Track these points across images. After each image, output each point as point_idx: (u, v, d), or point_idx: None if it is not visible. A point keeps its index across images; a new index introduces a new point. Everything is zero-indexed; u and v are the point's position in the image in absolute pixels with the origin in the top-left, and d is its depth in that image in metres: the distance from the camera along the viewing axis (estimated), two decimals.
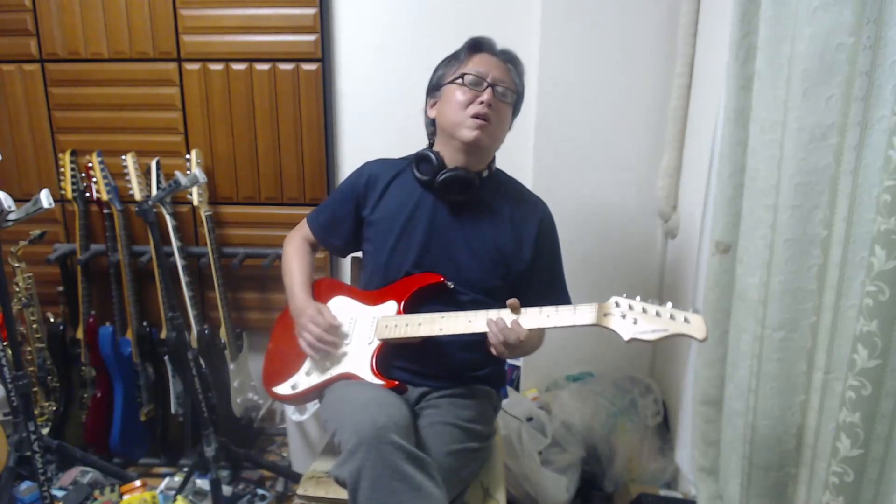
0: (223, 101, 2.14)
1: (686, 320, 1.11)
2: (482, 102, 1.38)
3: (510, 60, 1.47)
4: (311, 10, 2.05)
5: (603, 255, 2.16)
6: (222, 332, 2.20)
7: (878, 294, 1.07)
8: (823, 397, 1.32)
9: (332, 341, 1.39)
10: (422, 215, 1.45)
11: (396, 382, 1.34)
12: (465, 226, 1.45)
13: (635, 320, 1.14)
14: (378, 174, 1.52)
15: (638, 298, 1.16)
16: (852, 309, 1.20)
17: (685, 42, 1.92)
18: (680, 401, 2.05)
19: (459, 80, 1.41)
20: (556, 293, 1.51)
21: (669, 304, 1.14)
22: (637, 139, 2.07)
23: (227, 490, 2.04)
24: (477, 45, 1.46)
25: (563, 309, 1.23)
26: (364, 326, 1.43)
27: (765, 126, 1.39)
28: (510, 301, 1.28)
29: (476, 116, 1.38)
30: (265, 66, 2.10)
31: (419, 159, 1.46)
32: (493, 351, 1.27)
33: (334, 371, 1.41)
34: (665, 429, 2.10)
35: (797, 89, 1.24)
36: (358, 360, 1.39)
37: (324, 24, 2.06)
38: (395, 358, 1.42)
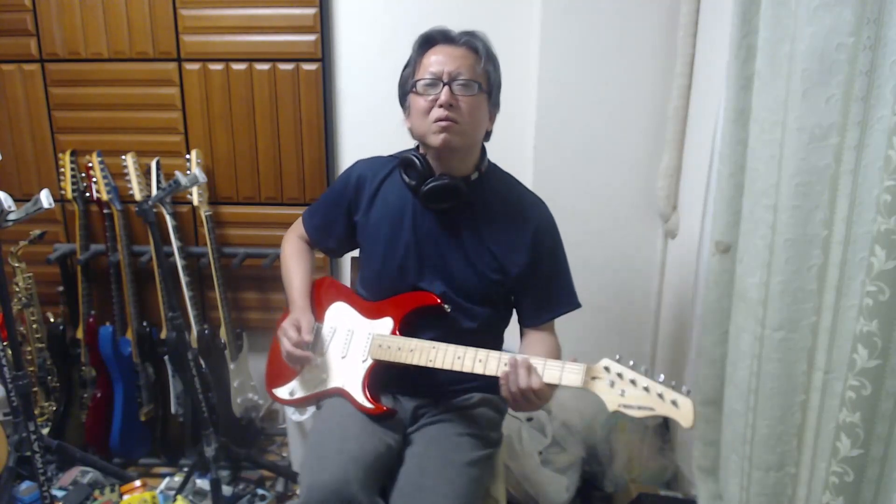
0: (223, 101, 2.14)
1: (674, 403, 1.07)
2: (441, 105, 1.28)
3: (471, 45, 1.33)
4: (311, 10, 2.05)
5: (603, 255, 2.16)
6: (222, 332, 2.20)
7: (878, 294, 1.07)
8: (823, 397, 1.32)
9: (300, 357, 1.35)
10: (412, 222, 1.40)
11: (385, 409, 1.32)
12: (456, 232, 1.39)
13: (623, 392, 1.11)
14: (367, 176, 1.47)
15: (631, 363, 1.12)
16: (852, 309, 1.20)
17: (685, 42, 1.92)
18: None
19: (415, 89, 1.32)
20: (558, 297, 1.44)
21: (661, 378, 1.10)
22: (637, 139, 2.07)
23: (227, 490, 2.04)
24: (428, 41, 1.35)
25: (551, 363, 1.19)
26: (359, 341, 1.40)
27: (765, 126, 1.39)
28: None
29: (438, 120, 1.29)
30: (265, 66, 2.10)
31: (405, 164, 1.38)
32: (511, 400, 1.21)
33: (329, 384, 1.40)
34: (665, 429, 2.10)
35: (797, 89, 1.24)
36: (351, 377, 1.37)
37: (324, 24, 2.06)
38: (397, 370, 1.39)
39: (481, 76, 1.32)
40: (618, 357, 1.14)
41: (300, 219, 1.61)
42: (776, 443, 1.42)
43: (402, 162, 1.39)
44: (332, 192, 1.54)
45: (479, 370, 1.23)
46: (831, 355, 1.29)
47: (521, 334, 1.46)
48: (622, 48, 1.99)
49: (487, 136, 1.42)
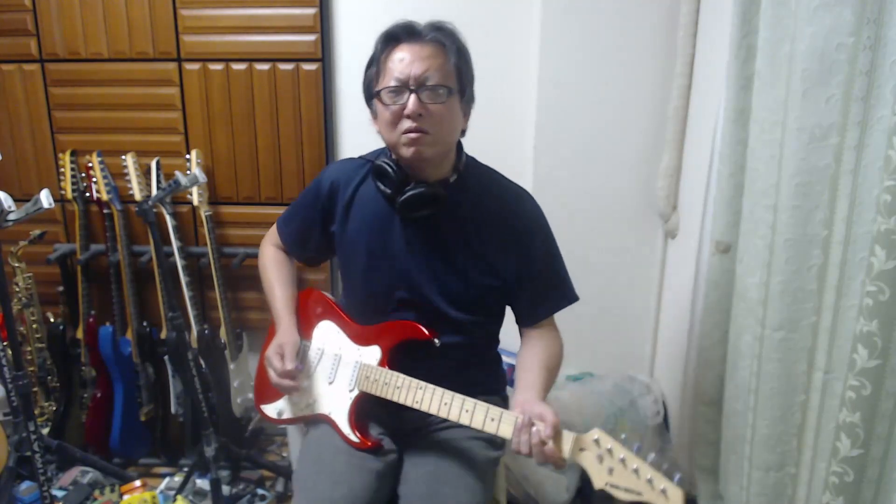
0: (223, 101, 2.14)
1: (664, 493, 0.99)
2: (408, 116, 1.18)
3: (438, 41, 1.22)
4: (311, 10, 2.05)
5: (603, 255, 2.16)
6: (222, 332, 2.20)
7: (878, 294, 1.07)
8: (823, 397, 1.32)
9: (287, 388, 1.32)
10: (392, 233, 1.32)
11: (370, 443, 1.29)
12: (442, 240, 1.31)
13: (611, 469, 1.04)
14: (340, 182, 1.37)
15: (623, 437, 1.06)
16: (852, 309, 1.20)
17: (685, 42, 1.92)
18: (680, 401, 2.05)
19: (380, 97, 1.22)
20: (555, 291, 1.37)
21: (651, 457, 1.03)
22: (637, 139, 2.07)
23: (227, 490, 2.04)
24: (391, 38, 1.24)
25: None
26: (346, 368, 1.35)
27: (765, 126, 1.39)
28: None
29: (407, 132, 1.20)
30: (265, 66, 2.10)
31: (378, 173, 1.28)
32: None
33: (316, 409, 1.37)
34: (665, 429, 2.10)
35: (797, 89, 1.25)
36: (338, 405, 1.34)
37: (324, 24, 2.06)
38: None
39: (451, 76, 1.22)
40: (610, 427, 1.09)
41: (275, 226, 1.52)
42: (776, 443, 1.42)
43: (374, 170, 1.30)
44: (305, 198, 1.44)
45: (465, 421, 1.18)
46: (831, 355, 1.29)
47: (521, 334, 1.42)
48: (622, 48, 1.99)
49: (463, 132, 1.33)
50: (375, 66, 1.26)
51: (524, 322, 1.40)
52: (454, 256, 1.32)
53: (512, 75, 2.08)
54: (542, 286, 1.36)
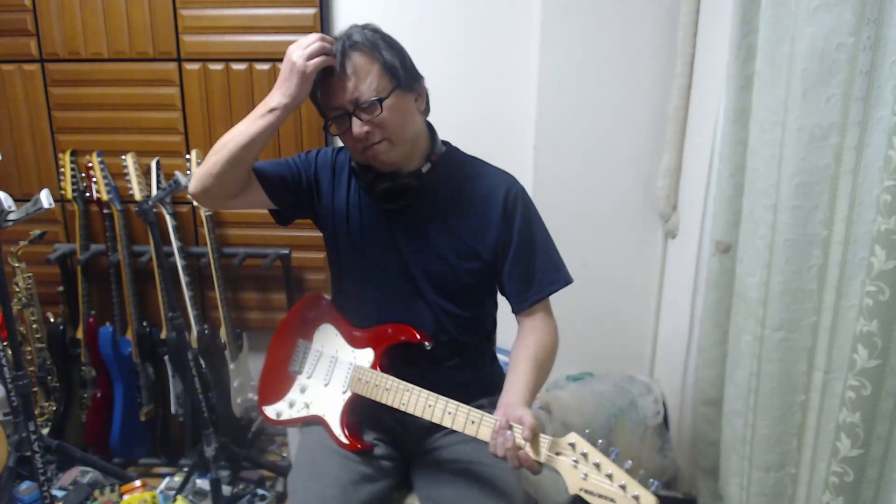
0: (223, 101, 2.14)
1: (636, 499, 0.98)
2: (357, 139, 1.21)
3: (357, 53, 1.20)
4: (311, 10, 2.05)
5: (603, 255, 2.16)
6: (222, 332, 2.20)
7: (878, 294, 1.07)
8: (823, 397, 1.32)
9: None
10: (374, 225, 1.34)
11: (360, 446, 1.29)
12: (422, 226, 1.32)
13: (585, 475, 1.04)
14: (334, 164, 1.38)
15: (599, 442, 1.06)
16: (852, 309, 1.20)
17: (685, 42, 1.92)
18: (680, 401, 2.05)
19: (330, 125, 1.24)
20: (542, 271, 1.33)
21: (629, 464, 1.02)
22: (637, 139, 2.07)
23: (227, 490, 2.04)
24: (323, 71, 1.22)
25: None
26: (341, 370, 1.37)
27: (765, 126, 1.39)
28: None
29: (364, 150, 1.23)
30: (265, 66, 2.10)
31: (355, 173, 1.32)
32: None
33: (311, 411, 1.38)
34: (665, 429, 2.10)
35: (797, 89, 1.24)
36: (331, 407, 1.35)
37: (324, 24, 2.06)
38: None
39: (384, 78, 1.20)
40: (588, 431, 1.07)
41: None
42: (776, 443, 1.42)
43: (352, 170, 1.34)
44: (298, 157, 1.40)
45: (447, 423, 1.18)
46: (831, 355, 1.29)
47: (517, 323, 1.39)
48: (622, 48, 1.99)
49: (427, 111, 1.32)
50: (313, 97, 1.26)
51: (515, 308, 1.38)
52: (437, 242, 1.32)
53: (512, 75, 2.09)
54: (526, 265, 1.33)
